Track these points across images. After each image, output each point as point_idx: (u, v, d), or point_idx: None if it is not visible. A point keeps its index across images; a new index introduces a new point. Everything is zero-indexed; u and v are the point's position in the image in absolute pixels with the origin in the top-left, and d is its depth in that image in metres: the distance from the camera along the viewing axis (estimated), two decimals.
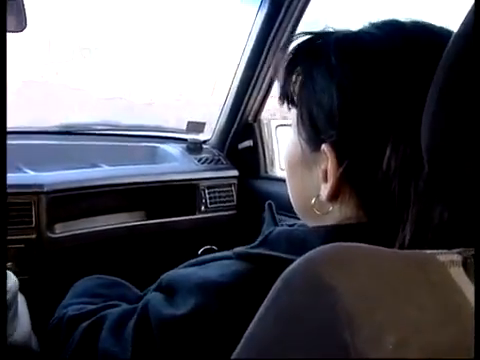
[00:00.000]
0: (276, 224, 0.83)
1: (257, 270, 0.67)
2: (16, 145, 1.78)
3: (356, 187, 0.67)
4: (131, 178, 1.77)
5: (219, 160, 2.01)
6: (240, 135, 2.04)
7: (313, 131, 0.69)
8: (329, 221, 0.70)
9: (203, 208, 1.90)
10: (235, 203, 1.97)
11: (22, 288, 0.82)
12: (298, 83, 0.71)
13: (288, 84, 0.72)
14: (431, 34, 0.66)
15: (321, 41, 0.70)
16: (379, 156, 0.64)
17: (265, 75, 1.91)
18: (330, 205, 0.69)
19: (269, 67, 1.88)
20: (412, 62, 0.63)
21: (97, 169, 1.79)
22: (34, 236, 1.52)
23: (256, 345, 0.44)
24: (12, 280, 0.75)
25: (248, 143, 2.02)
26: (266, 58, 1.87)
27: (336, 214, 0.69)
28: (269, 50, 1.85)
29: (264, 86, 1.94)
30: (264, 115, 2.06)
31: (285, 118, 1.94)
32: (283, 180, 2.04)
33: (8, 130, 1.86)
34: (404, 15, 0.70)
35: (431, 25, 0.68)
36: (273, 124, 2.07)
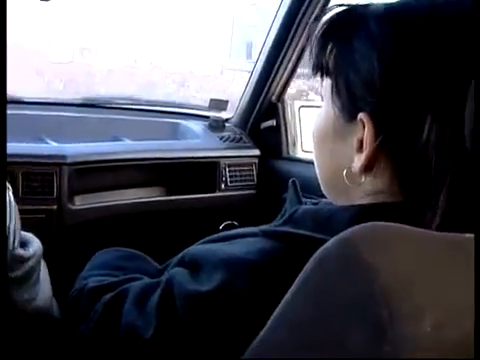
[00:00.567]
0: (300, 202, 0.82)
1: (284, 248, 0.66)
2: (39, 115, 1.79)
3: (393, 157, 0.66)
4: (153, 153, 1.76)
5: (241, 139, 1.99)
6: (263, 115, 2.02)
7: (349, 99, 0.68)
8: (359, 195, 0.70)
9: (223, 186, 1.89)
10: (255, 183, 1.97)
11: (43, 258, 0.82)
12: (334, 52, 0.70)
13: (323, 54, 0.71)
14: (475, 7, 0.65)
15: (360, 11, 0.70)
16: (418, 127, 0.63)
17: (291, 55, 1.89)
18: (362, 177, 0.68)
19: (296, 47, 1.87)
20: (457, 35, 0.62)
21: (119, 143, 1.79)
22: (55, 207, 1.53)
23: (288, 323, 0.44)
24: (36, 245, 0.75)
25: (271, 123, 2.01)
26: (293, 37, 1.85)
27: (368, 186, 0.69)
28: (297, 29, 1.83)
29: (290, 66, 1.92)
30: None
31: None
32: (305, 161, 2.04)
33: (31, 100, 1.88)
34: None
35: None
36: (296, 105, 2.05)
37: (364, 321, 0.39)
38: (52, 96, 2.11)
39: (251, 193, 1.96)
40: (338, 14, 0.71)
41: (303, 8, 1.78)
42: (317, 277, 0.44)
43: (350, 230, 0.44)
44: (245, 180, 1.95)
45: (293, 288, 0.45)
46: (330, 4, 1.75)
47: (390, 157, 0.67)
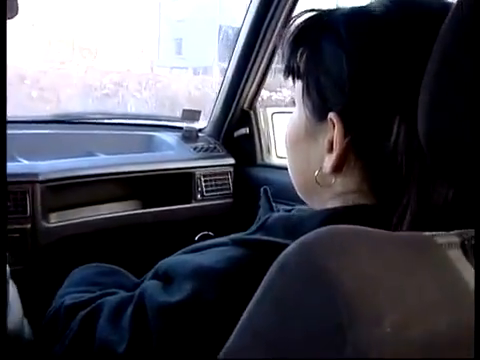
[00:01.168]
0: (272, 209, 0.82)
1: (253, 256, 0.66)
2: (10, 135, 1.76)
3: (362, 157, 0.67)
4: (126, 167, 1.76)
5: (215, 148, 2.00)
6: (236, 123, 2.03)
7: (320, 100, 0.69)
8: (330, 196, 0.70)
9: (199, 196, 1.89)
10: (231, 191, 1.97)
11: (17, 278, 0.81)
12: (304, 55, 0.71)
13: (294, 57, 0.72)
14: (446, 8, 0.66)
15: (328, 15, 0.71)
16: (387, 128, 0.64)
17: (260, 62, 1.90)
18: (333, 177, 0.69)
19: (264, 54, 1.88)
20: (425, 35, 0.63)
21: (92, 158, 1.78)
22: (29, 226, 1.51)
23: (252, 330, 0.44)
24: None
25: (244, 131, 2.01)
26: (261, 45, 1.86)
27: (338, 187, 0.69)
28: (264, 37, 1.84)
29: (259, 73, 1.93)
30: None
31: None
32: (280, 168, 2.05)
33: None
34: None
35: (447, 1, 0.68)
36: (269, 111, 2.06)
37: (324, 326, 0.39)
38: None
39: (228, 202, 1.96)
40: (308, 19, 0.72)
41: (269, 15, 1.79)
42: (278, 283, 0.44)
43: (309, 234, 0.44)
44: (221, 189, 1.95)
45: (257, 294, 0.45)
46: (296, 10, 1.77)
47: (359, 157, 0.67)
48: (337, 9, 0.71)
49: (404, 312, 0.39)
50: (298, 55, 0.71)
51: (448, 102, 0.46)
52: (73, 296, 0.85)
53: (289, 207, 0.85)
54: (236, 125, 2.03)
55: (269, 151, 2.03)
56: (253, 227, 0.74)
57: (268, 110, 2.06)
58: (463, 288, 0.42)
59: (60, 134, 1.89)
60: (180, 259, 0.75)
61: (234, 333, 0.44)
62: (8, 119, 1.76)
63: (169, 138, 2.01)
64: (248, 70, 1.91)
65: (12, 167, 1.57)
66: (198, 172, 1.89)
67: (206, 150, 1.97)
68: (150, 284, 0.73)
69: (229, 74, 1.97)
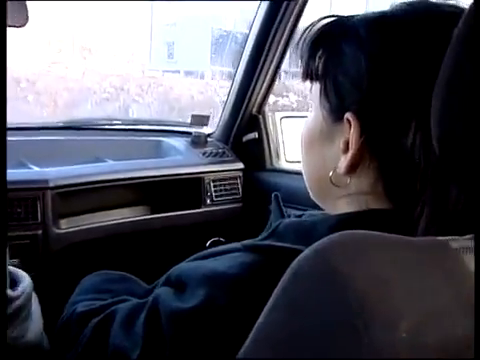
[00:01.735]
0: (283, 216, 0.83)
1: (266, 261, 0.66)
2: (20, 141, 1.78)
3: (377, 157, 0.67)
4: (136, 172, 1.76)
5: (224, 153, 2.00)
6: (245, 127, 2.03)
7: (337, 100, 0.70)
8: (343, 195, 0.71)
9: (209, 201, 1.89)
10: (241, 196, 1.97)
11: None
12: (323, 57, 0.72)
13: (312, 60, 0.73)
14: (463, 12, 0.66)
15: (349, 20, 0.72)
16: (403, 129, 0.64)
17: (269, 66, 1.90)
18: (348, 178, 0.69)
19: (273, 57, 1.88)
20: (441, 38, 0.63)
21: (102, 164, 1.78)
22: (40, 232, 1.51)
23: (267, 336, 0.43)
24: (26, 282, 0.75)
25: (253, 135, 2.01)
26: (269, 49, 1.86)
27: (352, 188, 0.69)
28: (272, 41, 1.84)
29: (268, 77, 1.93)
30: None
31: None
32: (289, 172, 2.05)
33: (12, 126, 1.87)
34: None
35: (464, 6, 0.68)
36: (278, 116, 2.06)
37: (340, 330, 0.39)
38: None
39: (237, 206, 1.96)
40: (328, 24, 0.73)
41: (278, 19, 1.80)
42: (293, 288, 0.44)
43: (322, 240, 0.45)
44: (231, 194, 1.95)
45: (271, 301, 0.45)
46: (304, 14, 1.78)
47: (375, 157, 0.68)
48: (357, 15, 0.72)
49: (419, 317, 0.39)
50: (317, 58, 0.72)
51: (460, 108, 0.46)
52: (85, 304, 0.85)
53: (299, 212, 0.85)
54: (245, 130, 2.03)
55: (278, 155, 2.03)
56: (264, 233, 0.74)
57: (277, 114, 2.06)
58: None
59: (69, 140, 1.90)
60: (192, 265, 0.75)
61: (249, 339, 0.44)
62: (17, 126, 1.78)
63: (178, 143, 2.01)
64: (257, 74, 1.92)
65: (22, 174, 1.58)
66: (207, 177, 1.89)
67: (215, 155, 1.97)
68: (163, 290, 0.73)
69: (237, 79, 1.97)
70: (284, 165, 2.03)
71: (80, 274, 1.05)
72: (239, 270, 0.67)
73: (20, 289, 0.72)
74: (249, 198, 1.97)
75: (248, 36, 1.91)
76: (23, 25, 1.06)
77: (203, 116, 2.10)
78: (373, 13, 0.71)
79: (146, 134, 2.10)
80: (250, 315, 0.47)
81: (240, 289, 0.66)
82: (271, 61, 1.89)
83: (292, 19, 1.79)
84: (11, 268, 0.74)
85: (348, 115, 0.67)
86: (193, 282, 0.69)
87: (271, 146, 2.02)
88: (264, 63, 1.89)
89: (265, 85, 1.95)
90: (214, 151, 1.99)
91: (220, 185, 1.92)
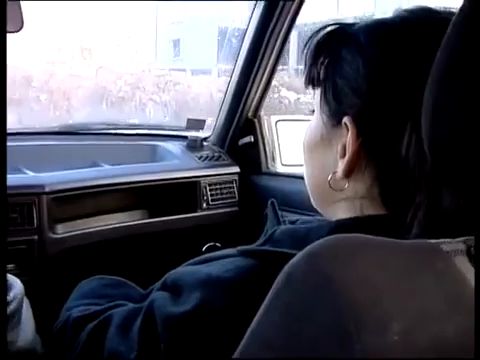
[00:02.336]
0: (279, 222, 0.83)
1: (262, 266, 0.67)
2: (16, 146, 1.78)
3: (373, 160, 0.68)
4: (132, 177, 1.76)
5: (220, 157, 2.00)
6: (240, 131, 2.03)
7: (336, 103, 0.71)
8: (341, 200, 0.71)
9: (205, 205, 1.89)
10: (237, 199, 1.97)
11: (25, 289, 0.81)
12: (325, 63, 0.73)
13: (314, 66, 0.74)
14: None
15: (350, 27, 0.73)
16: (399, 131, 0.65)
17: (264, 70, 1.90)
18: (346, 182, 0.70)
19: (268, 61, 1.88)
20: (438, 43, 0.64)
21: (98, 169, 1.78)
22: (36, 237, 1.51)
23: (260, 339, 0.44)
24: (18, 288, 0.75)
25: (248, 139, 2.02)
26: (264, 53, 1.86)
27: (349, 192, 0.70)
28: (268, 44, 1.85)
29: (263, 81, 1.93)
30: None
31: None
32: (285, 175, 2.05)
33: (9, 131, 1.86)
34: None
35: None
36: (273, 119, 2.06)
37: (332, 334, 0.39)
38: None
39: (233, 210, 1.96)
40: (330, 31, 0.74)
41: (272, 23, 1.80)
42: (286, 291, 0.44)
43: (315, 244, 0.45)
44: (227, 198, 1.95)
45: (265, 303, 0.45)
46: (299, 17, 1.78)
47: (371, 161, 0.68)
48: (359, 22, 0.73)
49: (410, 319, 0.40)
50: (319, 63, 0.73)
51: (451, 108, 0.46)
52: (81, 309, 0.85)
53: (295, 217, 0.85)
54: (240, 133, 2.04)
55: (274, 159, 2.04)
56: (261, 240, 0.75)
57: (272, 118, 2.07)
58: (469, 294, 0.42)
59: (65, 145, 1.90)
60: (188, 270, 0.75)
61: (243, 341, 0.44)
62: (13, 131, 1.78)
63: (174, 147, 2.01)
64: (252, 78, 1.92)
65: (18, 179, 1.58)
66: (203, 181, 1.89)
67: (211, 159, 1.98)
68: (159, 295, 0.73)
69: (233, 82, 1.98)
70: (280, 168, 2.03)
71: (76, 279, 1.05)
72: (234, 274, 0.67)
73: (11, 295, 0.72)
74: (245, 202, 1.98)
75: (243, 39, 1.91)
76: (18, 30, 1.06)
77: (199, 120, 2.10)
78: (373, 20, 0.72)
79: (142, 138, 2.10)
80: (245, 319, 0.47)
81: (235, 293, 0.66)
82: (266, 64, 1.89)
83: (288, 21, 1.80)
84: None
85: (346, 119, 0.68)
86: (188, 286, 0.69)
87: (267, 150, 2.02)
88: (259, 67, 1.89)
89: (260, 89, 1.95)
90: (210, 155, 1.99)
91: (216, 189, 1.92)
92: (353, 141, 0.68)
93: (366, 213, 0.69)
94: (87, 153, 1.88)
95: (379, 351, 0.38)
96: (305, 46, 0.76)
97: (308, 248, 0.45)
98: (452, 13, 0.68)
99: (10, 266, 1.42)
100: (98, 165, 1.81)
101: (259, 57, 1.87)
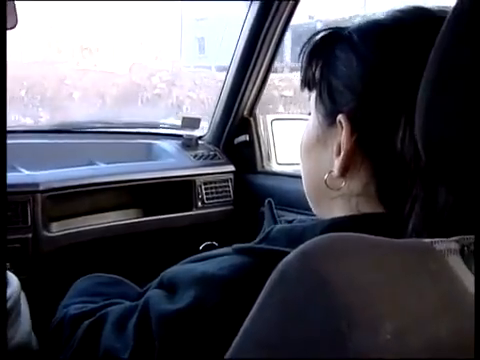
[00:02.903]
0: (276, 222, 0.83)
1: (257, 263, 0.67)
2: (10, 144, 1.77)
3: (369, 157, 0.68)
4: (127, 175, 1.76)
5: (215, 155, 2.00)
6: (236, 130, 2.03)
7: (331, 103, 0.71)
8: (338, 199, 0.72)
9: (200, 204, 1.89)
10: (232, 198, 1.97)
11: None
12: (319, 65, 0.74)
13: (310, 68, 0.75)
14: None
15: (344, 29, 0.73)
16: (393, 127, 0.65)
17: (259, 69, 1.90)
18: (342, 180, 0.70)
19: (264, 59, 1.88)
20: (429, 40, 0.64)
21: (93, 167, 1.78)
22: (30, 235, 1.51)
23: (254, 337, 0.44)
24: (14, 285, 0.75)
25: (244, 138, 2.02)
26: (260, 52, 1.86)
27: (345, 190, 0.70)
28: (263, 44, 1.85)
29: (259, 80, 1.93)
30: None
31: None
32: (280, 174, 2.05)
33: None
34: None
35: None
36: (269, 118, 2.06)
37: (325, 332, 0.39)
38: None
39: (229, 209, 1.97)
40: (325, 35, 0.75)
41: (267, 22, 1.80)
42: (279, 290, 0.44)
43: (308, 242, 0.45)
44: (222, 196, 1.95)
45: (258, 301, 0.45)
46: (295, 16, 1.78)
47: (367, 158, 0.69)
48: (353, 24, 0.74)
49: (403, 319, 0.40)
50: (313, 66, 0.74)
51: (444, 106, 0.46)
52: (77, 307, 0.85)
53: (291, 216, 0.86)
54: (236, 132, 2.04)
55: (269, 158, 2.04)
56: (257, 239, 0.75)
57: (268, 117, 2.07)
58: (462, 294, 0.42)
59: (60, 144, 1.90)
60: (184, 268, 0.75)
61: (236, 339, 0.45)
62: (9, 129, 1.77)
63: (169, 146, 2.01)
64: (247, 77, 1.92)
65: (13, 177, 1.58)
66: (199, 180, 1.89)
67: (206, 157, 1.98)
68: (154, 293, 0.73)
69: (228, 81, 1.98)
70: (275, 167, 2.03)
71: (71, 277, 1.05)
72: (229, 272, 0.68)
73: (8, 292, 0.72)
74: (240, 200, 1.98)
75: (239, 38, 1.91)
76: (13, 27, 1.06)
77: (194, 119, 2.10)
78: (366, 20, 0.73)
79: (137, 137, 2.10)
80: (239, 316, 0.47)
81: (230, 290, 0.66)
82: (261, 63, 1.89)
83: (283, 20, 1.80)
84: None
85: (340, 117, 0.69)
86: (183, 284, 0.69)
87: (262, 148, 2.03)
88: (255, 65, 1.89)
89: (256, 87, 1.95)
90: (205, 154, 1.99)
91: (211, 188, 1.92)
92: (347, 139, 0.68)
93: (362, 211, 0.70)
94: (82, 151, 1.87)
95: (372, 351, 0.38)
96: (301, 51, 0.76)
97: (301, 246, 0.45)
98: (445, 11, 0.69)
99: (7, 273, 1.41)
100: (93, 163, 1.81)
101: (254, 56, 1.87)
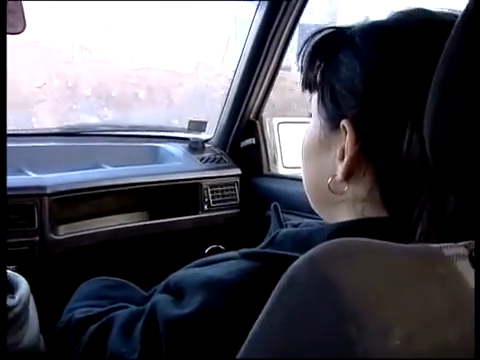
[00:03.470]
0: (282, 225, 0.83)
1: (263, 268, 0.67)
2: (18, 147, 1.78)
3: (374, 163, 0.68)
4: (134, 179, 1.76)
5: (221, 159, 2.00)
6: (242, 133, 2.03)
7: (333, 107, 0.70)
8: (342, 203, 0.71)
9: (206, 207, 1.89)
10: (238, 202, 1.97)
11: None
12: (321, 67, 0.73)
13: (311, 70, 0.74)
14: (453, 17, 0.67)
15: (346, 30, 0.73)
16: (399, 133, 0.65)
17: (266, 72, 1.90)
18: (345, 185, 0.70)
19: (270, 63, 1.88)
20: (433, 43, 0.64)
21: (100, 170, 1.79)
22: (37, 238, 1.52)
23: (262, 343, 0.44)
24: (23, 288, 0.75)
25: (250, 141, 2.02)
26: (267, 55, 1.86)
27: (350, 195, 0.70)
28: (269, 47, 1.85)
29: (265, 83, 1.93)
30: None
31: None
32: (286, 178, 2.05)
33: (11, 132, 1.87)
34: None
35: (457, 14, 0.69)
36: (275, 121, 2.06)
37: (334, 338, 0.39)
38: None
39: (235, 212, 1.96)
40: (326, 35, 0.74)
41: (274, 25, 1.80)
42: (288, 295, 0.44)
43: (316, 248, 0.45)
44: (228, 200, 1.95)
45: (266, 307, 0.45)
46: (302, 19, 1.78)
47: (371, 163, 0.68)
48: (355, 25, 0.73)
49: (412, 324, 0.39)
50: (315, 67, 0.73)
51: (452, 108, 0.46)
52: (82, 310, 0.85)
53: (297, 219, 0.86)
54: (242, 135, 2.04)
55: (275, 161, 2.04)
56: (263, 243, 0.75)
57: (274, 120, 2.07)
58: (471, 299, 0.42)
59: (67, 147, 1.90)
60: (190, 272, 0.75)
61: (245, 344, 0.44)
62: (15, 132, 1.78)
63: (175, 149, 2.01)
64: (254, 80, 1.92)
65: (20, 180, 1.58)
66: (205, 183, 1.89)
67: (213, 161, 1.98)
68: (161, 297, 0.73)
69: (235, 85, 1.98)
70: (281, 171, 2.03)
71: (78, 280, 1.05)
72: (236, 276, 0.67)
73: (17, 297, 0.72)
74: (246, 204, 1.98)
75: (246, 41, 1.91)
76: (21, 31, 1.06)
77: (200, 122, 2.10)
78: (370, 23, 0.72)
79: (144, 140, 2.10)
80: (247, 321, 0.47)
81: (237, 295, 0.66)
82: (268, 66, 1.89)
83: (290, 24, 1.80)
84: (9, 272, 0.74)
85: (344, 122, 0.68)
86: (190, 289, 0.69)
87: (268, 152, 2.02)
88: (261, 68, 1.89)
89: (262, 90, 1.95)
90: (212, 157, 1.99)
91: (217, 191, 1.92)
92: (352, 144, 0.67)
93: (367, 216, 0.69)
94: (89, 154, 1.88)
95: (382, 355, 0.38)
96: (301, 51, 0.76)
97: (310, 252, 0.45)
98: (447, 14, 0.68)
99: (11, 267, 1.41)
100: (100, 166, 1.81)
101: (261, 58, 1.87)
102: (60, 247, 1.58)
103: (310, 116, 0.77)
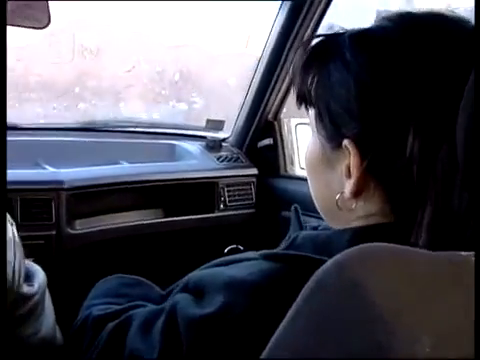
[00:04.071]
0: (302, 228, 0.83)
1: (285, 269, 0.66)
2: (36, 142, 1.80)
3: (381, 180, 0.67)
4: (150, 176, 1.77)
5: (238, 158, 2.00)
6: (260, 133, 2.03)
7: (333, 127, 0.69)
8: (353, 219, 0.70)
9: (222, 206, 1.89)
10: (254, 201, 1.97)
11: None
12: (314, 82, 0.71)
13: (304, 84, 0.72)
14: (444, 21, 0.67)
15: (334, 40, 0.71)
16: (401, 145, 0.63)
17: (286, 73, 1.90)
18: (354, 201, 0.69)
19: (290, 65, 1.87)
20: (426, 49, 0.63)
21: (117, 166, 1.79)
22: (54, 232, 1.53)
23: (287, 344, 0.43)
24: (41, 277, 0.75)
25: (268, 141, 2.01)
26: (287, 56, 1.86)
27: (360, 212, 0.69)
28: (290, 48, 1.84)
29: (285, 84, 1.93)
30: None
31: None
32: (303, 179, 2.04)
33: (29, 127, 1.89)
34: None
35: (444, 13, 0.68)
36: (293, 122, 2.06)
37: (363, 344, 0.39)
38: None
39: (250, 212, 1.96)
40: (315, 45, 0.73)
41: (297, 26, 1.79)
42: (315, 299, 0.43)
43: (346, 252, 0.44)
44: (244, 199, 1.95)
45: (293, 310, 0.44)
46: (325, 20, 1.77)
47: (378, 181, 0.67)
48: (343, 32, 0.71)
49: (441, 333, 0.39)
50: (308, 81, 0.71)
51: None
52: (100, 308, 0.85)
53: (315, 222, 0.85)
54: (260, 135, 2.03)
55: (292, 162, 2.03)
56: (282, 246, 0.74)
57: (292, 121, 2.06)
58: None
59: (85, 142, 1.92)
60: (211, 272, 0.75)
61: (269, 347, 0.44)
62: (34, 126, 1.80)
63: (193, 147, 2.02)
64: (273, 81, 1.91)
65: (38, 174, 1.59)
66: (221, 182, 1.89)
67: (229, 160, 1.98)
68: (181, 297, 0.73)
69: (254, 84, 1.97)
70: (298, 172, 2.02)
71: (93, 274, 1.05)
72: (258, 277, 0.67)
73: (36, 286, 0.72)
74: (262, 204, 1.97)
75: (266, 41, 1.91)
76: (45, 26, 1.07)
77: (218, 121, 2.10)
78: (358, 31, 0.70)
79: (162, 137, 2.11)
80: (268, 322, 0.47)
81: (259, 296, 0.66)
82: (288, 68, 1.88)
83: (312, 24, 1.79)
84: (26, 261, 0.75)
85: (346, 142, 0.67)
86: (211, 289, 0.69)
87: (285, 152, 2.02)
88: (281, 70, 1.89)
89: (282, 91, 1.95)
90: (229, 156, 1.99)
91: (234, 190, 1.92)
92: (357, 165, 0.66)
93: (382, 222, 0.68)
94: (107, 150, 1.89)
95: None
96: (292, 62, 0.74)
97: (338, 256, 0.44)
98: (436, 14, 0.67)
99: (28, 260, 1.43)
100: (117, 163, 1.82)
101: (282, 59, 1.87)
102: (76, 242, 1.59)
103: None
